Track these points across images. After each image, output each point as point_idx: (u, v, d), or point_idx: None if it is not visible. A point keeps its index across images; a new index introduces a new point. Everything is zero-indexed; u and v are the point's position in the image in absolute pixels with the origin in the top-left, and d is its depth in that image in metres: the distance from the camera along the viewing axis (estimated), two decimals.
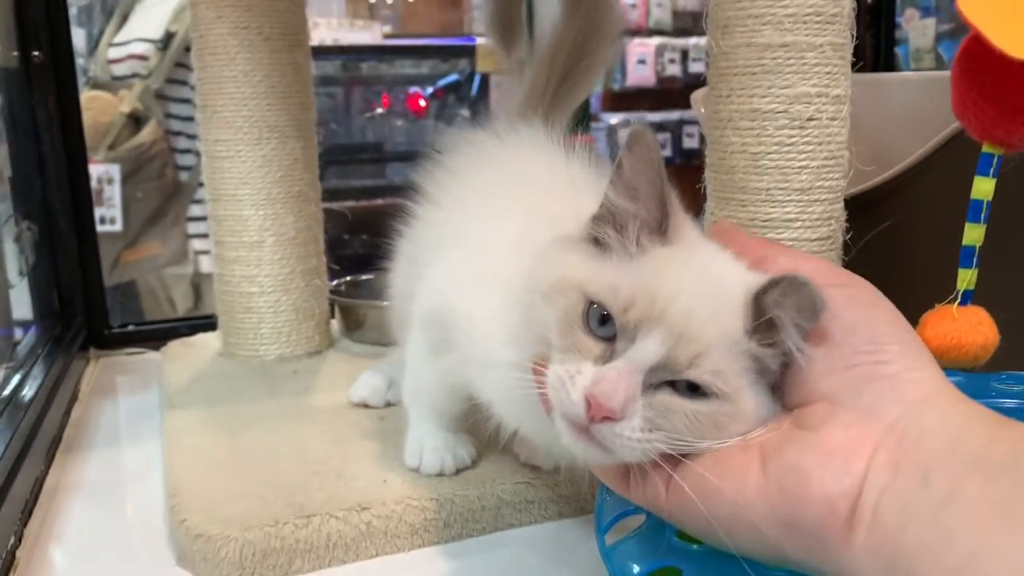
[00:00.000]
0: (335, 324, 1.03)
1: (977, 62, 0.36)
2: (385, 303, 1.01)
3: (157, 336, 1.11)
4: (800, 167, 0.74)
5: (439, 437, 0.65)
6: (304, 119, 0.92)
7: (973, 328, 0.42)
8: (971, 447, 0.32)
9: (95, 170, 2.12)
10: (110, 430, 0.85)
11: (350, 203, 3.29)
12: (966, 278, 0.40)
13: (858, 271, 0.77)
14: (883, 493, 0.33)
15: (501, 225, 0.57)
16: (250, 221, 0.90)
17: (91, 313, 1.09)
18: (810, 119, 0.73)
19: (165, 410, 0.81)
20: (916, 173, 0.76)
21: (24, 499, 0.66)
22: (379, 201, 3.33)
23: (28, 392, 0.78)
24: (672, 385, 0.40)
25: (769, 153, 0.74)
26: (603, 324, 0.42)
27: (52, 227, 1.03)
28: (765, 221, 0.75)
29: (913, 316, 0.79)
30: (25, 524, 0.65)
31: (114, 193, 2.31)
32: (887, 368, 0.36)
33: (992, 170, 0.39)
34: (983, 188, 0.39)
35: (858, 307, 0.39)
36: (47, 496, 0.71)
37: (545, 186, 0.61)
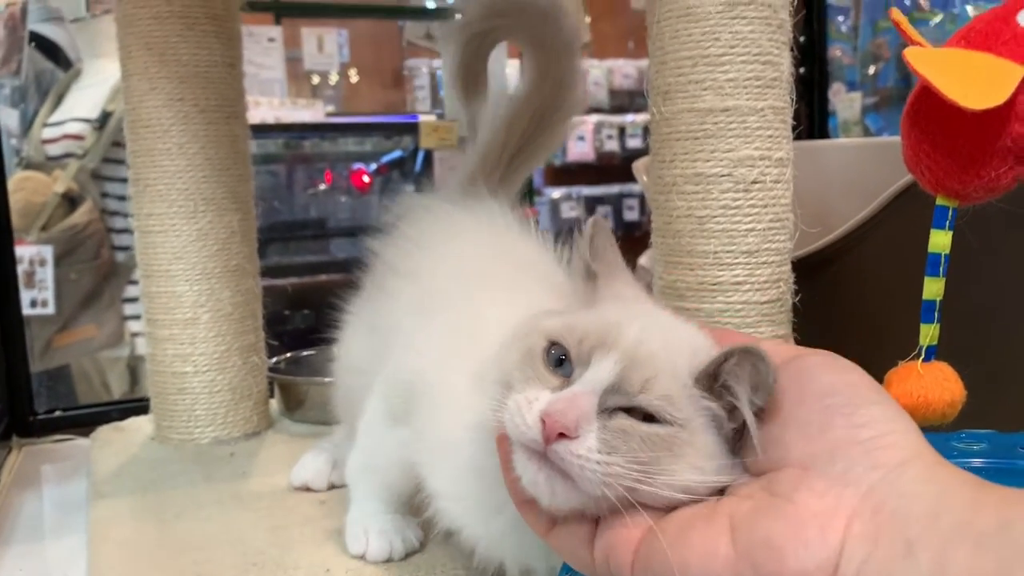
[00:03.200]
0: (274, 403, 0.99)
1: (927, 114, 0.36)
2: (327, 380, 0.98)
3: (86, 422, 1.05)
4: (746, 229, 0.73)
5: (386, 519, 0.62)
6: (242, 191, 0.89)
7: (939, 385, 0.40)
8: (955, 514, 0.30)
9: (26, 251, 2.06)
10: (32, 523, 0.80)
11: (292, 279, 3.25)
12: (928, 333, 0.39)
13: (808, 332, 0.77)
14: (863, 565, 0.31)
15: (490, 302, 0.56)
16: (184, 297, 0.87)
17: (14, 399, 1.03)
18: (754, 182, 0.73)
19: (92, 500, 0.75)
20: (862, 233, 0.77)
21: None
22: (322, 277, 3.30)
23: None
24: (628, 412, 0.41)
25: (715, 216, 0.73)
26: (560, 364, 0.44)
27: None
28: (714, 284, 0.74)
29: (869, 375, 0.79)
30: None
31: (46, 275, 2.25)
32: (863, 432, 0.34)
33: (948, 223, 0.38)
34: (940, 241, 0.38)
35: (834, 371, 0.38)
36: None
37: (519, 260, 0.63)
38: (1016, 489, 0.31)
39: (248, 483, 0.78)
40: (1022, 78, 0.36)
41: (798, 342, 0.78)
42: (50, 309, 2.20)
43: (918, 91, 0.36)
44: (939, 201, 0.38)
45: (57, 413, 1.07)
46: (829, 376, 0.37)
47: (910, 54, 0.36)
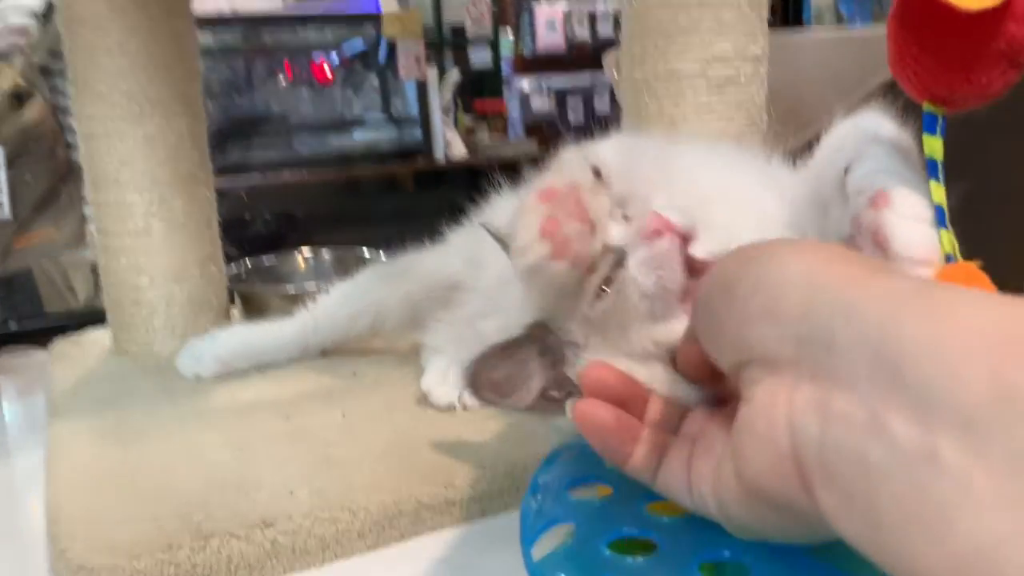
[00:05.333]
0: (236, 313, 0.96)
1: (916, 14, 0.32)
2: (291, 289, 0.95)
3: (45, 334, 1.02)
4: (719, 130, 0.71)
5: None
6: (190, 93, 0.84)
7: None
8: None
9: None
10: None
11: (255, 177, 3.18)
12: (946, 239, 0.37)
13: None
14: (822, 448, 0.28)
15: None
16: (134, 207, 0.83)
17: None
18: (728, 80, 0.70)
19: (50, 419, 0.73)
20: None
21: None
22: (285, 174, 3.23)
23: None
24: None
25: (687, 117, 0.70)
26: None
27: None
28: None
29: None
30: None
31: None
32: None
33: (938, 129, 0.35)
34: (934, 146, 0.36)
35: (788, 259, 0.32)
36: None
37: None
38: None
39: (210, 399, 0.76)
40: None
41: None
42: (5, 213, 2.13)
43: None
44: (926, 108, 0.35)
45: (11, 326, 1.03)
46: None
47: None
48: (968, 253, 0.37)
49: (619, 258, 0.42)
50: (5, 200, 2.20)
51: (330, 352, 0.85)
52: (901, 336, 0.26)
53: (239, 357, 0.81)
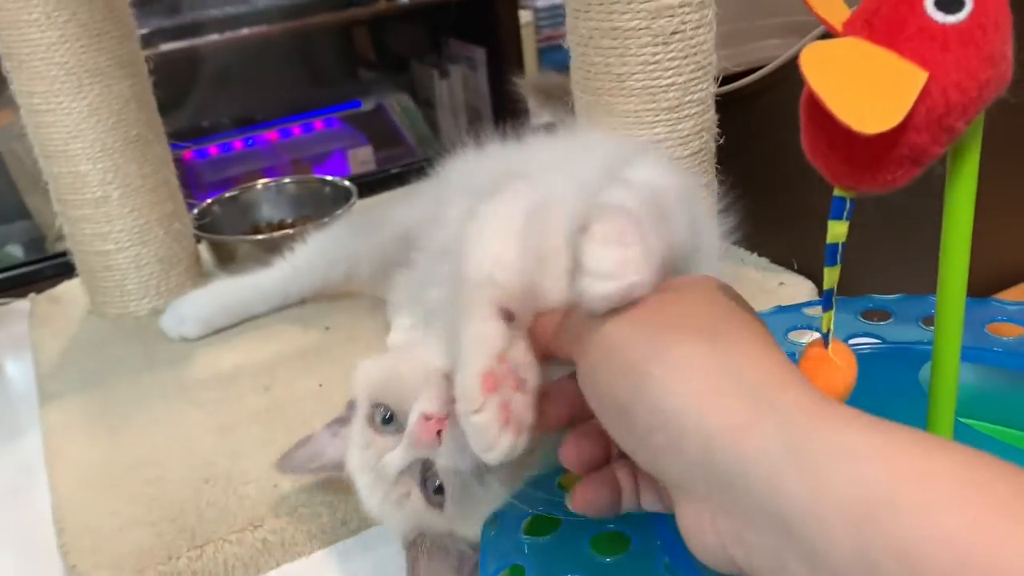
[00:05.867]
0: (204, 254, 0.98)
1: (823, 115, 0.33)
2: (259, 237, 0.96)
3: (19, 283, 1.04)
4: (667, 85, 0.70)
5: None
6: (127, 54, 0.82)
7: (849, 366, 0.41)
8: None
9: None
10: None
11: (212, 36, 3.03)
12: (832, 277, 0.39)
13: (733, 172, 0.76)
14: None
15: None
16: (89, 176, 0.83)
17: None
18: (674, 32, 0.69)
19: (41, 403, 0.77)
20: (789, 73, 0.73)
21: None
22: (244, 31, 3.08)
23: None
24: None
25: (634, 73, 0.70)
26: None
27: None
28: None
29: (789, 214, 0.79)
30: None
31: None
32: None
33: (845, 214, 0.37)
34: (837, 231, 0.37)
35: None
36: None
37: None
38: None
39: (190, 367, 0.79)
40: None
41: (723, 187, 0.77)
42: None
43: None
44: (836, 193, 0.37)
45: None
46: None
47: (806, 60, 0.33)
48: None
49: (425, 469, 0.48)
50: None
51: (304, 302, 0.87)
52: (787, 496, 0.29)
53: (221, 315, 0.84)
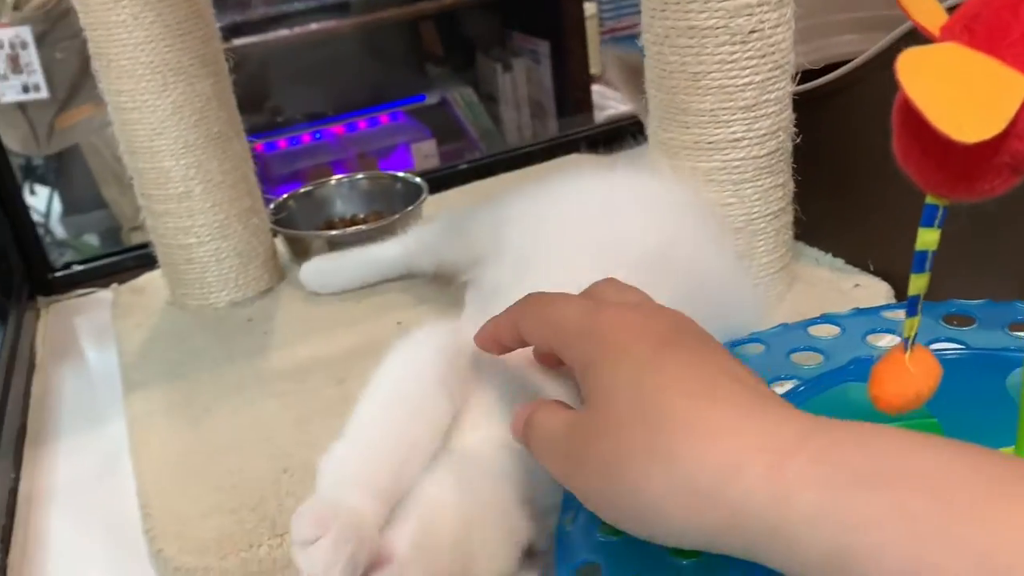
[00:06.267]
0: (281, 248, 1.00)
1: (918, 121, 0.33)
2: (332, 232, 0.98)
3: (102, 273, 1.08)
4: (744, 83, 0.70)
5: None
6: (209, 54, 0.84)
7: (928, 374, 0.41)
8: None
9: (4, 34, 1.96)
10: (75, 407, 0.85)
11: (282, 32, 3.07)
12: (919, 284, 0.39)
13: (811, 173, 0.75)
14: None
15: None
16: (172, 172, 0.85)
17: (29, 262, 1.05)
18: (752, 31, 0.68)
19: (125, 393, 0.80)
20: (869, 71, 0.72)
21: None
22: (313, 27, 3.12)
23: None
24: None
25: (710, 72, 0.69)
26: None
27: None
28: (710, 143, 0.72)
29: (866, 215, 0.78)
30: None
31: (31, 57, 2.15)
32: None
33: (937, 222, 0.36)
34: (928, 239, 0.37)
35: None
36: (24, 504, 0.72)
37: None
38: None
39: (268, 359, 0.81)
40: None
41: (798, 187, 0.76)
42: (43, 92, 2.14)
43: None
44: (928, 200, 0.36)
45: (74, 268, 1.09)
46: None
47: (903, 66, 0.32)
48: None
49: None
50: (41, 80, 2.21)
51: (374, 297, 0.89)
52: None
53: (356, 280, 0.91)
